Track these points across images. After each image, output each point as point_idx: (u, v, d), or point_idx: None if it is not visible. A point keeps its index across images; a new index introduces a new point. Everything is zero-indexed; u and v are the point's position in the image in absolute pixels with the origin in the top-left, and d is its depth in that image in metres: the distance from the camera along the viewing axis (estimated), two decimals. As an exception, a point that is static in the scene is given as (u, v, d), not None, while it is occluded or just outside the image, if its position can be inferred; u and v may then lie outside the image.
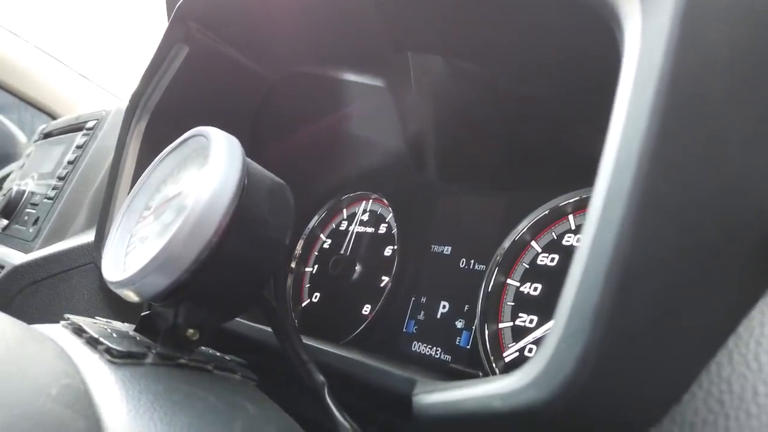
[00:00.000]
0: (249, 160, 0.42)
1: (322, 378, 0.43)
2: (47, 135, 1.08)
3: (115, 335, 0.40)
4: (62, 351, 0.35)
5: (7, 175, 1.35)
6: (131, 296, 0.41)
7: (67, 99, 1.62)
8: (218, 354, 0.45)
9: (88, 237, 0.74)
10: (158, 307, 0.43)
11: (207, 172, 0.38)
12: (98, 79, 1.69)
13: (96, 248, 0.66)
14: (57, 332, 0.40)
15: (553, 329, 0.23)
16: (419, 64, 0.56)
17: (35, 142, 1.13)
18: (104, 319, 0.46)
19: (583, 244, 0.23)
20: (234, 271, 0.40)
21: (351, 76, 0.66)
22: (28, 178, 0.99)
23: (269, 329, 0.54)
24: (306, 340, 0.46)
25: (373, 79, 0.65)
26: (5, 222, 0.94)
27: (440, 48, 0.48)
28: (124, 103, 0.85)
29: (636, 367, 0.23)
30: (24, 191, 0.93)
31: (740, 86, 0.25)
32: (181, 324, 0.41)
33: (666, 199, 0.23)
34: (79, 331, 0.40)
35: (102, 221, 0.66)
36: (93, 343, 0.38)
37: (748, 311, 0.25)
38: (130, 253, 0.44)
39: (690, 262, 0.24)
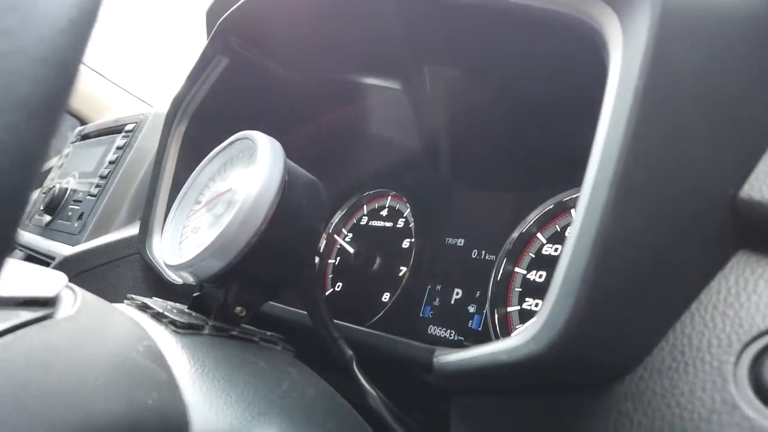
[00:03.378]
0: (288, 160, 0.48)
1: (350, 352, 0.49)
2: (85, 137, 1.16)
3: (175, 311, 0.46)
4: (136, 322, 0.41)
5: (44, 173, 1.43)
6: (188, 278, 0.47)
7: (97, 104, 1.69)
8: (260, 330, 0.51)
9: (132, 230, 0.81)
10: (209, 288, 0.50)
11: (255, 170, 0.45)
12: (127, 85, 1.77)
13: (141, 240, 0.73)
14: (125, 308, 0.47)
15: (548, 295, 0.29)
16: (434, 71, 0.62)
17: (72, 143, 1.20)
18: (161, 300, 0.52)
19: (574, 225, 0.29)
20: (278, 255, 0.46)
21: (370, 80, 0.72)
22: (69, 176, 1.06)
23: (302, 312, 0.60)
24: (332, 323, 0.52)
25: (391, 83, 0.71)
26: (48, 218, 1.01)
27: (453, 61, 0.54)
28: (161, 108, 0.92)
29: (615, 325, 0.29)
30: (66, 189, 1.00)
31: (705, 97, 0.31)
32: (231, 302, 0.47)
33: (641, 188, 0.29)
34: (143, 307, 0.47)
35: (146, 215, 0.73)
36: (158, 317, 0.44)
37: (709, 281, 0.30)
38: (184, 242, 0.51)
39: (661, 240, 0.29)
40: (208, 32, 0.68)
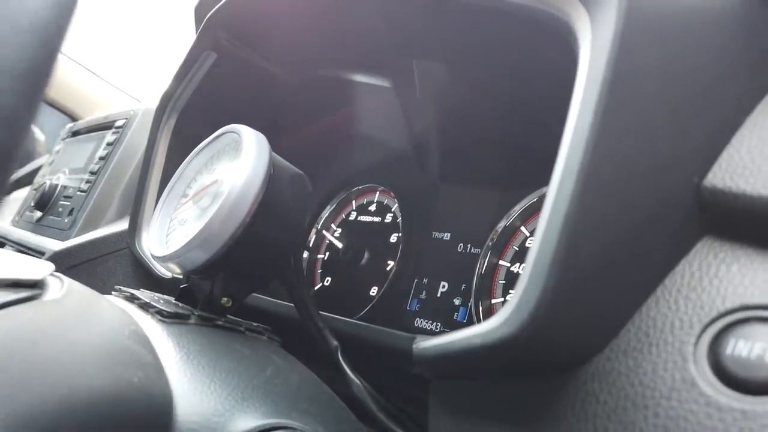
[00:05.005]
0: (274, 153, 0.49)
1: (335, 342, 0.50)
2: (75, 133, 1.16)
3: (162, 301, 0.47)
4: (122, 309, 0.42)
5: (35, 171, 1.43)
6: (174, 269, 0.48)
7: (88, 101, 1.70)
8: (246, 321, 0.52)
9: (121, 225, 0.81)
10: (196, 279, 0.51)
11: (240, 163, 0.45)
12: (118, 82, 1.77)
13: (130, 234, 0.73)
14: (112, 298, 0.47)
15: (519, 281, 0.30)
16: (423, 69, 0.63)
17: (63, 139, 1.20)
18: (148, 291, 0.53)
19: (543, 214, 0.30)
20: (262, 247, 0.47)
21: (360, 78, 0.73)
22: (59, 173, 1.06)
23: (289, 304, 0.61)
24: (320, 315, 0.52)
25: (381, 80, 0.71)
26: (39, 214, 1.02)
27: (437, 57, 0.55)
28: (150, 104, 0.93)
29: (582, 309, 0.30)
30: (57, 185, 1.01)
31: (671, 89, 0.32)
32: (217, 293, 0.48)
33: (607, 177, 0.30)
34: (131, 297, 0.47)
35: (135, 210, 0.74)
36: (145, 306, 0.45)
37: (674, 266, 0.31)
38: (171, 234, 0.52)
39: (627, 228, 0.30)
40: (197, 28, 0.68)
